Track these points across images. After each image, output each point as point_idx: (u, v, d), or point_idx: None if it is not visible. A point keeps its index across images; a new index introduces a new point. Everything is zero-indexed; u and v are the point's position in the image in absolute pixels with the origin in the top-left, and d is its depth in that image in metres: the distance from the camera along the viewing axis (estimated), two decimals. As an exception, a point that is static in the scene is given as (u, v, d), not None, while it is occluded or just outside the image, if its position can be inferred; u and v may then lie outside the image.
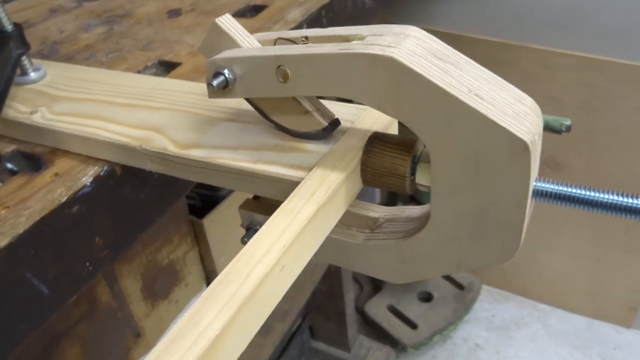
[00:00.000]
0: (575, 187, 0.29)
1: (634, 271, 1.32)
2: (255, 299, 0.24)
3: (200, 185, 0.82)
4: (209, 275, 0.85)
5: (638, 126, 1.11)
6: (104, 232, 0.39)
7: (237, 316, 0.22)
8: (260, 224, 0.36)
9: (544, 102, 1.17)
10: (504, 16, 1.12)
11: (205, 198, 0.82)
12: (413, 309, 1.46)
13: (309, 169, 0.31)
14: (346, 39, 0.30)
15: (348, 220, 0.36)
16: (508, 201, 0.28)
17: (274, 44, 0.33)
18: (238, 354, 0.23)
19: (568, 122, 0.95)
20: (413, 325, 1.42)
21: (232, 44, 0.32)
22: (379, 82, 0.28)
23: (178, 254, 0.77)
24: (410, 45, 0.28)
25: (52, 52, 0.57)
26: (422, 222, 0.33)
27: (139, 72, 0.51)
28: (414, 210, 0.35)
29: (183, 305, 0.82)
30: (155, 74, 0.52)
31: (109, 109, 0.40)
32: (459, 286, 1.51)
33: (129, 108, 0.40)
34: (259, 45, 0.33)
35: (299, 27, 0.58)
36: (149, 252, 0.71)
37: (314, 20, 0.61)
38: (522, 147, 0.26)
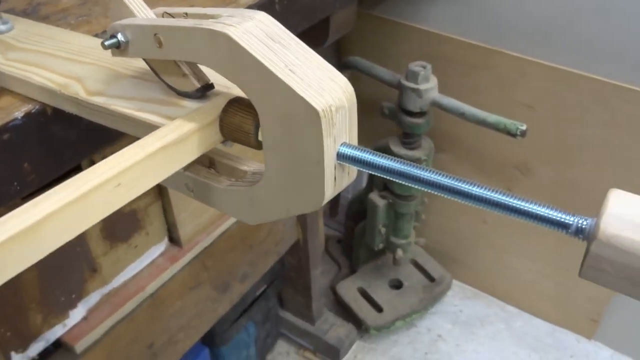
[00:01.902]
0: (377, 155, 0.36)
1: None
2: (88, 200, 0.32)
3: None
4: (171, 228, 0.94)
5: (604, 141, 1.15)
6: (32, 160, 0.48)
7: (66, 207, 0.30)
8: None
9: (518, 108, 1.22)
10: (487, 22, 1.17)
11: (173, 158, 0.90)
12: (382, 294, 1.53)
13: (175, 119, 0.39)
14: (211, 17, 0.38)
15: (224, 170, 0.44)
16: (310, 159, 0.35)
17: (162, 17, 0.40)
18: (60, 243, 0.31)
19: (523, 127, 1.00)
20: (379, 309, 1.49)
21: (130, 13, 0.40)
22: (220, 53, 0.35)
23: (140, 205, 0.86)
24: (249, 27, 0.35)
25: (33, 12, 0.66)
26: (269, 175, 0.41)
27: (96, 35, 0.59)
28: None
29: (143, 252, 0.91)
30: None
31: (51, 60, 0.49)
32: (430, 278, 1.57)
33: (66, 61, 0.49)
34: (153, 16, 0.41)
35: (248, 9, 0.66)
36: (111, 198, 0.80)
37: (266, 5, 0.69)
38: (314, 114, 0.33)
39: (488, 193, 0.32)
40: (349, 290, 1.53)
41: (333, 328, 1.44)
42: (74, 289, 0.81)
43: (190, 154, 0.39)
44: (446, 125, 1.32)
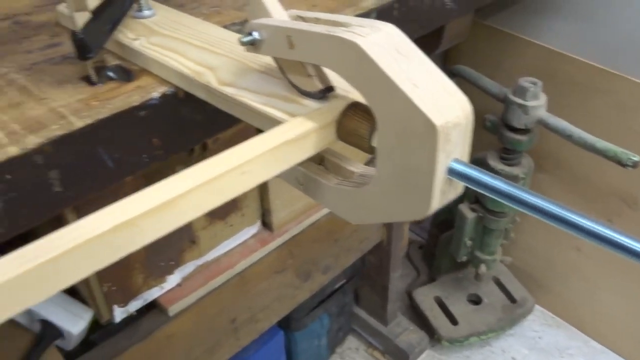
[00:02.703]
0: (488, 174, 0.37)
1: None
2: (214, 184, 0.35)
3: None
4: (265, 213, 0.99)
5: None
6: (161, 136, 0.53)
7: (198, 188, 0.34)
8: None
9: (633, 138, 1.15)
10: (611, 43, 1.12)
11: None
12: (459, 307, 1.51)
13: (297, 117, 0.42)
14: (341, 25, 0.40)
15: (332, 168, 0.46)
16: (421, 170, 0.36)
17: (295, 20, 0.43)
18: (190, 217, 0.35)
19: (636, 158, 0.95)
20: (454, 321, 1.47)
21: (267, 14, 0.44)
22: (347, 61, 0.37)
23: (240, 187, 0.91)
24: (378, 38, 0.37)
25: (172, -1, 0.72)
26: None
27: (225, 26, 0.63)
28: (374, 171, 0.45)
29: (237, 231, 0.96)
30: (239, 31, 0.65)
31: (186, 46, 0.53)
32: (512, 299, 1.52)
33: (199, 49, 0.53)
34: (287, 18, 0.44)
35: (368, 14, 0.68)
36: (216, 177, 0.86)
37: (386, 11, 0.70)
38: (432, 129, 0.35)
39: (606, 232, 0.31)
40: (425, 297, 1.52)
41: (405, 332, 1.44)
42: (173, 257, 0.87)
43: (307, 150, 0.41)
44: (550, 145, 1.28)
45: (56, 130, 0.46)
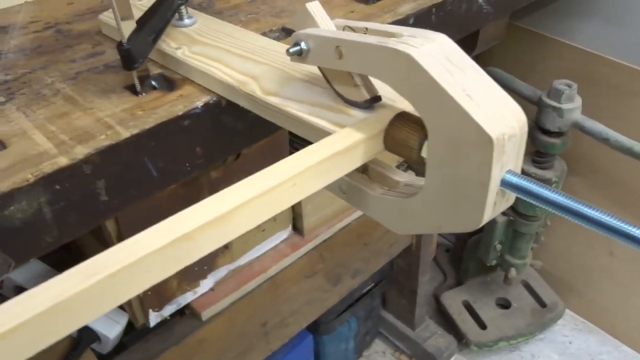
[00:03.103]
0: (542, 186, 0.36)
1: None
2: (268, 196, 0.35)
3: (304, 139, 0.95)
4: (296, 217, 0.99)
5: None
6: (203, 145, 0.53)
7: (251, 201, 0.34)
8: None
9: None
10: (648, 44, 1.09)
11: (307, 151, 0.95)
12: (488, 311, 1.49)
13: (344, 127, 0.42)
14: (391, 35, 0.40)
15: (376, 177, 0.46)
16: (474, 181, 0.36)
17: (343, 30, 0.43)
18: (243, 230, 0.35)
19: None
20: (482, 326, 1.46)
21: (313, 24, 0.43)
22: (398, 71, 0.37)
23: (273, 192, 0.91)
24: (430, 48, 0.37)
25: (209, 6, 0.72)
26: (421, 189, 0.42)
27: (263, 33, 0.64)
28: (421, 181, 0.44)
29: (269, 235, 0.96)
30: (277, 38, 0.65)
31: (229, 56, 0.54)
32: (542, 303, 1.50)
33: (241, 58, 0.53)
34: (334, 28, 0.44)
35: (406, 19, 0.67)
36: (249, 182, 0.86)
37: (423, 16, 0.70)
38: (488, 141, 0.34)
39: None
40: (453, 301, 1.51)
41: (434, 337, 1.43)
42: (207, 261, 0.88)
43: (356, 161, 0.41)
44: (583, 147, 1.25)
45: (103, 140, 0.47)
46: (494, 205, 0.38)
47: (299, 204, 0.95)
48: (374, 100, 0.43)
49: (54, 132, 0.48)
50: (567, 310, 1.55)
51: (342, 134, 0.40)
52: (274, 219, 0.95)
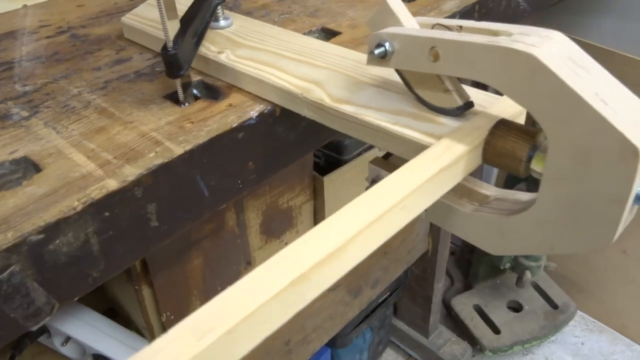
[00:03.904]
0: (678, 201, 0.32)
1: None
2: (379, 223, 0.30)
3: (327, 147, 0.90)
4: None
5: None
6: (256, 159, 0.48)
7: (365, 229, 0.29)
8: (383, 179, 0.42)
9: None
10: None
11: (329, 159, 0.90)
12: (500, 314, 1.46)
13: (439, 137, 0.37)
14: (495, 33, 0.35)
15: (462, 192, 0.41)
16: (608, 197, 0.32)
17: (432, 28, 0.38)
18: (356, 263, 0.30)
19: None
20: (496, 330, 1.43)
21: (396, 22, 0.39)
22: (516, 74, 0.33)
23: (296, 202, 0.86)
24: (551, 47, 0.32)
25: (235, 6, 0.67)
26: (527, 205, 0.37)
27: (304, 34, 0.58)
28: (522, 195, 0.40)
29: (290, 249, 0.91)
30: (318, 39, 0.60)
31: (281, 60, 0.48)
32: (553, 305, 1.48)
33: (295, 62, 0.48)
34: (417, 27, 0.39)
35: (452, 17, 0.63)
36: (274, 194, 0.81)
37: (467, 13, 0.65)
38: (632, 152, 0.30)
39: None
40: (465, 306, 1.48)
41: (448, 344, 1.39)
42: (230, 280, 0.81)
43: (457, 177, 0.36)
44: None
45: (154, 158, 0.41)
46: (623, 223, 0.33)
47: (322, 213, 0.90)
48: (467, 107, 0.39)
49: (95, 150, 0.42)
50: (578, 312, 1.53)
51: (442, 147, 0.35)
52: (296, 231, 0.90)
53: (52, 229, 0.36)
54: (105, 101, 0.48)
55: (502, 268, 1.37)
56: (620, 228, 0.33)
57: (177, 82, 0.46)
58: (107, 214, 0.38)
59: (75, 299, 0.40)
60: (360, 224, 0.29)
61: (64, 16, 0.65)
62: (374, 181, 0.43)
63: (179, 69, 0.44)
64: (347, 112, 0.41)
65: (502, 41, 0.33)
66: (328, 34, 0.60)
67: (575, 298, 1.52)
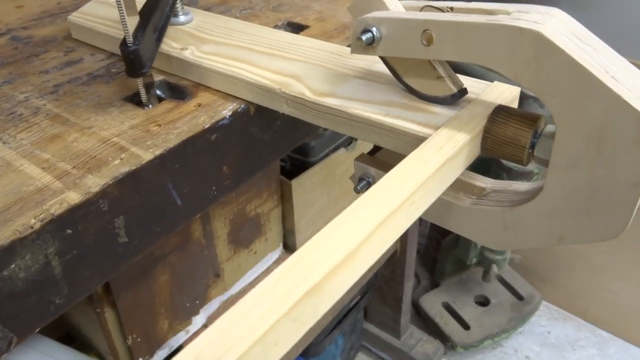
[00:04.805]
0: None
1: None
2: (389, 223, 0.27)
3: (292, 150, 0.87)
4: (287, 235, 0.90)
5: None
6: (230, 163, 0.44)
7: (376, 230, 0.26)
8: (372, 177, 0.39)
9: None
10: (614, 33, 1.10)
11: (295, 162, 0.86)
12: (468, 310, 1.46)
13: (436, 127, 0.34)
14: (491, 12, 0.33)
15: (457, 185, 0.39)
16: (626, 180, 0.30)
17: (420, 10, 0.36)
18: (366, 268, 0.27)
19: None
20: (465, 326, 1.42)
21: (381, 5, 0.36)
22: (520, 53, 0.30)
23: (264, 209, 0.82)
24: (555, 24, 0.30)
25: (192, 3, 0.62)
26: (530, 195, 0.35)
27: (275, 27, 0.55)
28: (521, 185, 0.38)
29: (260, 258, 0.87)
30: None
31: (251, 55, 0.45)
32: (519, 296, 1.49)
33: (268, 56, 0.44)
34: (404, 10, 0.36)
35: None
36: (241, 201, 0.76)
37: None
38: (650, 131, 0.28)
39: None
40: (433, 304, 1.47)
41: (420, 343, 1.38)
42: (199, 295, 0.77)
43: (460, 167, 0.34)
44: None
45: (120, 166, 0.36)
46: (637, 208, 0.32)
47: (291, 219, 0.87)
48: (462, 94, 0.36)
49: (50, 161, 0.37)
50: (542, 302, 1.55)
51: (443, 137, 0.33)
52: (265, 239, 0.86)
53: (6, 252, 0.31)
54: (57, 106, 0.43)
55: (468, 263, 1.37)
56: (633, 215, 0.31)
57: (139, 82, 0.41)
58: (69, 231, 0.34)
59: (36, 330, 0.35)
60: (370, 225, 0.26)
61: (2, 17, 0.59)
62: (361, 179, 0.40)
63: (141, 67, 0.40)
64: (332, 105, 0.38)
65: (503, 19, 0.31)
66: (295, 28, 0.57)
67: (538, 288, 1.54)
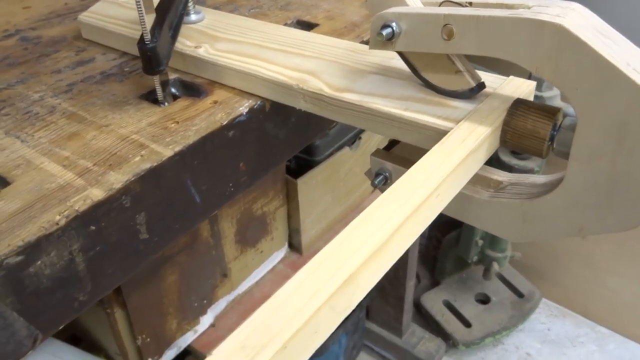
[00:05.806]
0: None
1: None
2: (417, 214, 0.27)
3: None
4: (292, 234, 0.90)
5: None
6: (247, 160, 0.44)
7: (405, 222, 0.26)
8: (389, 171, 0.40)
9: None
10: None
11: (300, 161, 0.86)
12: (469, 308, 1.47)
13: (456, 121, 0.35)
14: (511, 7, 0.33)
15: (474, 179, 0.39)
16: (646, 171, 0.30)
17: (439, 6, 0.36)
18: (395, 260, 0.27)
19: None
20: (467, 324, 1.43)
21: (400, 1, 0.36)
22: (542, 47, 0.31)
23: (270, 208, 0.82)
24: (576, 18, 0.31)
25: (200, 2, 0.63)
26: (548, 187, 0.36)
27: (285, 24, 0.55)
28: (538, 178, 0.38)
29: (266, 257, 0.87)
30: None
31: (266, 52, 0.45)
32: (519, 294, 1.50)
33: (283, 53, 0.45)
34: (422, 6, 0.37)
35: None
36: (247, 200, 0.77)
37: None
38: (672, 121, 0.28)
39: None
40: (434, 302, 1.47)
41: (422, 342, 1.38)
42: (206, 295, 0.77)
43: (481, 161, 0.34)
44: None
45: (141, 162, 0.36)
46: None
47: (297, 218, 0.87)
48: (480, 88, 0.37)
49: (70, 158, 0.37)
50: (542, 299, 1.56)
51: (464, 130, 0.33)
52: (271, 237, 0.86)
53: (33, 249, 0.31)
54: (72, 105, 0.43)
55: (469, 262, 1.38)
56: (655, 203, 0.32)
57: (156, 80, 0.41)
58: (92, 227, 0.34)
59: (60, 327, 0.35)
60: (399, 217, 0.26)
61: (10, 18, 0.59)
62: (378, 174, 0.41)
63: (158, 64, 0.40)
64: (351, 100, 0.38)
65: (524, 13, 0.31)
66: (305, 27, 0.57)
67: (538, 285, 1.54)
